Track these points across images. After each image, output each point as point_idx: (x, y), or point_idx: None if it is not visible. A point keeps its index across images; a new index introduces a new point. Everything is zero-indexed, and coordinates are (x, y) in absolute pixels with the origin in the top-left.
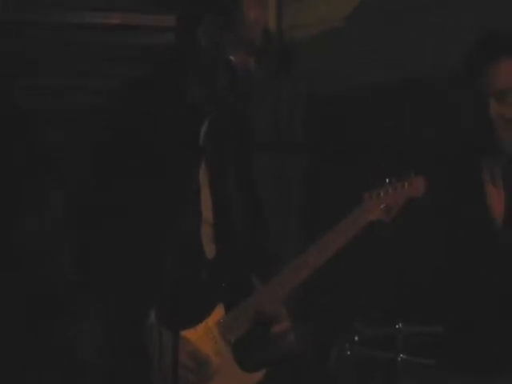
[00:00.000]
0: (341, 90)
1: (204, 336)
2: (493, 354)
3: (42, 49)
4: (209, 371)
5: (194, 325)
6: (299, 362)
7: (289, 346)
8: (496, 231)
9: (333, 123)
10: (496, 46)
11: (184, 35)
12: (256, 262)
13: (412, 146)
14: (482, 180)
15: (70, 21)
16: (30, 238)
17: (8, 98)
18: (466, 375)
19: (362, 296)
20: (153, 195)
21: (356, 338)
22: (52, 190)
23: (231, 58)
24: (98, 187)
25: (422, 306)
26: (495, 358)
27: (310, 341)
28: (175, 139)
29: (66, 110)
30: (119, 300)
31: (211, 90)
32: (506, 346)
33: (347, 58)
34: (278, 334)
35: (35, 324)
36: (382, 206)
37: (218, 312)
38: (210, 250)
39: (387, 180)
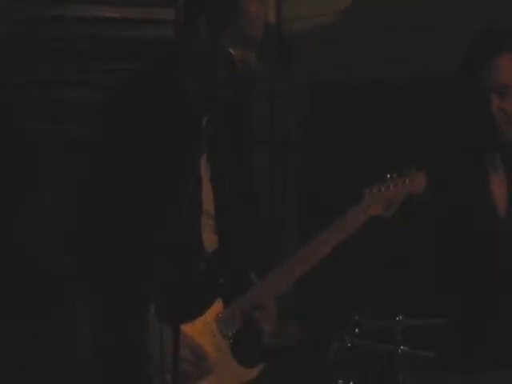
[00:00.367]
0: (340, 84)
1: (202, 330)
2: (496, 347)
3: (41, 43)
4: (207, 364)
5: (192, 319)
6: (297, 356)
7: (285, 341)
8: (499, 221)
9: (332, 116)
10: (495, 42)
11: (184, 29)
12: (255, 258)
13: (414, 139)
14: (485, 171)
15: (68, 14)
16: (25, 233)
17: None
18: (465, 370)
19: (359, 292)
20: (151, 190)
21: (356, 331)
22: (44, 185)
23: (231, 51)
24: (97, 181)
25: (423, 299)
26: (498, 352)
27: (306, 336)
28: (175, 133)
29: (65, 105)
30: (117, 295)
31: (210, 83)
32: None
33: (346, 52)
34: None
35: (31, 320)
36: (382, 202)
37: (217, 307)
38: (211, 242)
39: (388, 175)
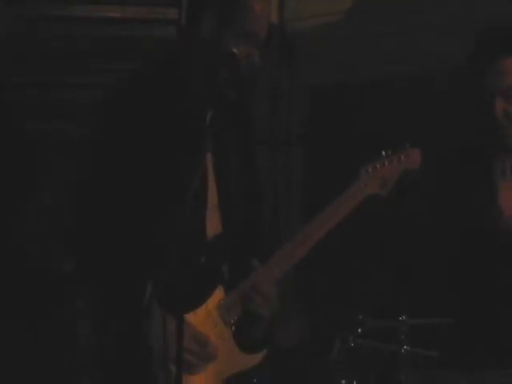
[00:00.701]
0: (341, 84)
1: (204, 319)
2: (498, 347)
3: (44, 43)
4: (210, 354)
5: (194, 308)
6: (300, 356)
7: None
8: (504, 225)
9: (333, 116)
10: (500, 44)
11: (187, 27)
12: (256, 247)
13: (415, 139)
14: (491, 175)
15: (70, 14)
16: (25, 233)
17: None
18: (466, 369)
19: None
20: (153, 187)
21: (359, 330)
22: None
23: (234, 50)
24: (100, 178)
25: (426, 299)
26: (500, 351)
27: (308, 332)
28: (176, 131)
29: (66, 105)
30: (119, 287)
31: (213, 82)
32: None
33: (348, 51)
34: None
35: (31, 320)
36: (378, 180)
37: (218, 295)
38: (216, 234)
39: (383, 152)
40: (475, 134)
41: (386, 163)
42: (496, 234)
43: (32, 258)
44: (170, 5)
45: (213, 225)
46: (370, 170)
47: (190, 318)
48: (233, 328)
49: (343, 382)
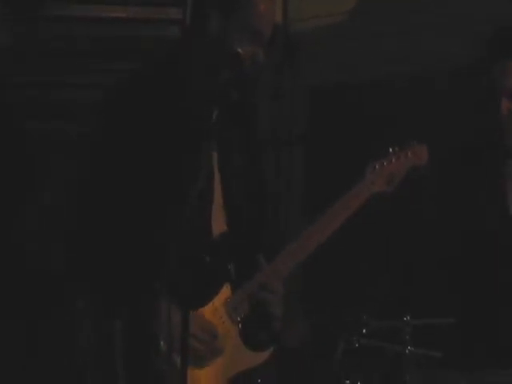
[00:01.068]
0: (342, 84)
1: (211, 316)
2: (498, 347)
3: (47, 42)
4: (219, 344)
5: (201, 305)
6: (304, 355)
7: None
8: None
9: (333, 116)
10: (507, 44)
11: (192, 26)
12: (261, 245)
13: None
14: (498, 176)
15: (71, 14)
16: (25, 233)
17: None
18: (470, 369)
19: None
20: (154, 187)
21: (364, 331)
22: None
23: (239, 50)
24: (102, 177)
25: (430, 300)
26: (501, 351)
27: (312, 332)
28: (177, 131)
29: (67, 105)
30: (120, 283)
31: (217, 81)
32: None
33: (349, 52)
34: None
35: (31, 320)
36: (385, 177)
37: (225, 292)
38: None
39: (390, 149)
40: (477, 134)
41: (393, 160)
42: (497, 234)
43: (32, 257)
44: (173, 5)
45: (218, 224)
46: (377, 166)
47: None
48: (239, 326)
49: (347, 382)
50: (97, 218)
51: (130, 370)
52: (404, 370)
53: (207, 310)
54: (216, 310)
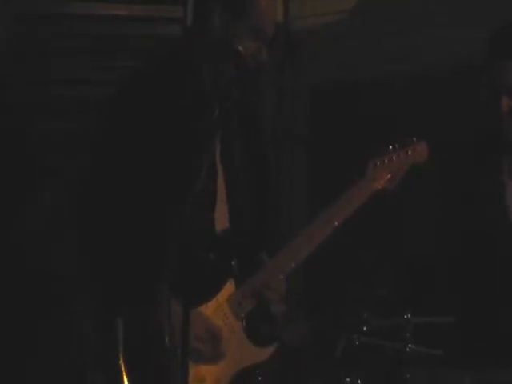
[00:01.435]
0: (342, 82)
1: (215, 312)
2: (500, 346)
3: (47, 40)
4: (222, 344)
5: (205, 301)
6: (304, 352)
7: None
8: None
9: (334, 115)
10: (507, 43)
11: (195, 25)
12: (265, 240)
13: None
14: (500, 179)
15: (73, 12)
16: (24, 229)
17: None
18: (472, 368)
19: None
20: (155, 182)
21: (364, 329)
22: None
23: (240, 48)
24: (105, 176)
25: (432, 297)
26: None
27: (312, 330)
28: (180, 127)
29: (72, 102)
30: (125, 280)
31: (219, 80)
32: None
33: (349, 50)
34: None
35: (31, 320)
36: (386, 174)
37: (229, 288)
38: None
39: (390, 147)
40: (478, 133)
41: (394, 157)
42: (497, 233)
43: (32, 257)
44: (174, 3)
45: (221, 221)
46: (378, 164)
47: (202, 310)
48: (243, 321)
49: (348, 380)
50: (98, 216)
51: (132, 367)
52: (404, 368)
53: (211, 306)
54: (220, 306)
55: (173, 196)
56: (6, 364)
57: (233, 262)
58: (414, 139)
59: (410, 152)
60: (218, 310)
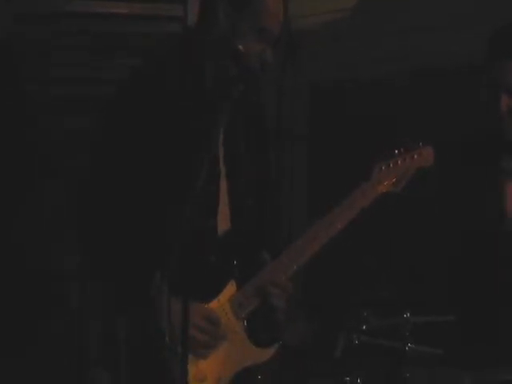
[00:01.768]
0: (342, 82)
1: (216, 312)
2: (500, 346)
3: (46, 39)
4: (222, 332)
5: (206, 301)
6: (304, 352)
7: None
8: (509, 230)
9: (335, 114)
10: (508, 43)
11: (200, 24)
12: (267, 242)
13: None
14: (498, 178)
15: (73, 10)
16: (24, 229)
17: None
18: (472, 367)
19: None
20: (156, 182)
21: (364, 328)
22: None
23: (240, 47)
24: (107, 177)
25: (431, 297)
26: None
27: (312, 329)
28: (180, 127)
29: (74, 99)
30: (129, 279)
31: (222, 77)
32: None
33: (353, 49)
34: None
35: (31, 319)
36: (391, 178)
37: (230, 289)
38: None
39: (396, 151)
40: (478, 133)
41: (400, 161)
42: (496, 233)
43: (32, 257)
44: (174, 1)
45: (223, 222)
46: (383, 167)
47: None
48: (245, 322)
49: (347, 379)
50: (98, 216)
51: (133, 367)
52: (404, 368)
53: (212, 307)
54: (221, 307)
55: (173, 196)
56: (6, 363)
57: (234, 263)
58: (420, 143)
59: (415, 156)
60: (220, 309)
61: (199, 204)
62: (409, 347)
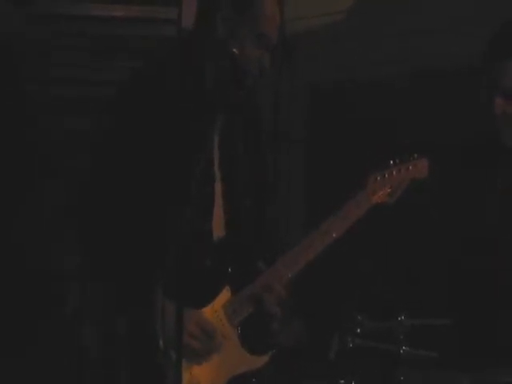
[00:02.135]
0: (341, 84)
1: (210, 318)
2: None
3: (46, 40)
4: (216, 341)
5: (200, 307)
6: (298, 354)
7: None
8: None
9: (333, 116)
10: (506, 44)
11: (199, 28)
12: (263, 248)
13: (415, 139)
14: (497, 182)
15: (71, 13)
16: (24, 229)
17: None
18: (467, 369)
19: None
20: (156, 184)
21: (358, 331)
22: (51, 180)
23: (234, 50)
24: (106, 178)
25: (426, 300)
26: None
27: (306, 332)
28: (183, 128)
29: (74, 100)
30: (127, 282)
31: (221, 82)
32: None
33: (351, 51)
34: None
35: (31, 319)
36: (386, 189)
37: (225, 295)
38: (221, 234)
39: (391, 162)
40: (478, 135)
41: (394, 172)
42: (494, 235)
43: (32, 257)
44: (169, 4)
45: (218, 225)
46: (378, 178)
47: None
48: (238, 329)
49: (342, 382)
50: (98, 216)
51: (132, 367)
52: (399, 370)
53: (207, 313)
54: (215, 313)
55: (173, 197)
56: (6, 364)
57: (229, 269)
58: (416, 155)
59: (410, 167)
60: (214, 316)
61: (195, 207)
62: (403, 350)
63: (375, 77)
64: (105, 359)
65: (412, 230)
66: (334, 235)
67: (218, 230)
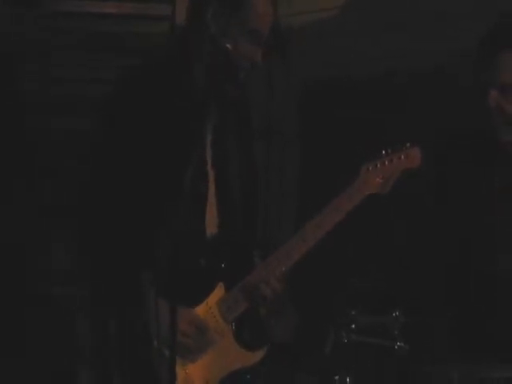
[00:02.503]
0: (336, 80)
1: (204, 315)
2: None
3: (40, 37)
4: (208, 338)
5: (194, 304)
6: (293, 350)
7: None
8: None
9: (327, 112)
10: (502, 39)
11: (191, 25)
12: (256, 244)
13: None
14: (496, 174)
15: (65, 9)
16: (28, 229)
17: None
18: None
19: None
20: (156, 183)
21: (353, 326)
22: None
23: (228, 45)
24: (102, 177)
25: (421, 296)
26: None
27: (301, 327)
28: (176, 127)
29: (73, 99)
30: (119, 281)
31: (213, 78)
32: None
33: (344, 48)
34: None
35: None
36: (379, 179)
37: (218, 291)
38: (214, 231)
39: (383, 152)
40: (473, 133)
41: (387, 162)
42: (493, 238)
43: (32, 257)
44: (163, 1)
45: (211, 224)
46: (370, 168)
47: None
48: (233, 325)
49: (336, 377)
50: (98, 216)
51: (121, 368)
52: (393, 366)
53: (201, 310)
54: (210, 309)
55: (167, 196)
56: (6, 364)
57: (223, 266)
58: (408, 144)
59: (402, 157)
60: (208, 312)
61: (188, 205)
62: (398, 346)
63: (369, 73)
64: (99, 359)
65: (407, 225)
66: (326, 228)
67: (212, 228)
